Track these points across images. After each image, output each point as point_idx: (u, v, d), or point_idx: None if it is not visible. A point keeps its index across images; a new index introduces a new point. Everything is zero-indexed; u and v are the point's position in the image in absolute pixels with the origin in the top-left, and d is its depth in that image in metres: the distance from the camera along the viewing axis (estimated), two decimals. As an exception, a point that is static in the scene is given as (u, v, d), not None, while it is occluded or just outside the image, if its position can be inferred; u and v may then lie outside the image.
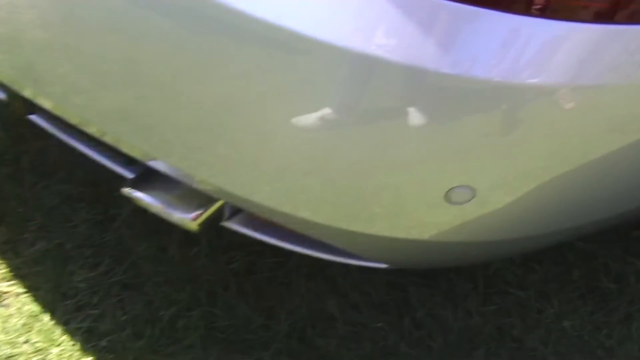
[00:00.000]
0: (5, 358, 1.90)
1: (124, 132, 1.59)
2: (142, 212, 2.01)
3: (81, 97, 1.59)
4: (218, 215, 1.61)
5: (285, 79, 1.32)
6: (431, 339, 1.93)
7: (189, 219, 1.57)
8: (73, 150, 2.16)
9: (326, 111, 1.33)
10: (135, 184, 1.63)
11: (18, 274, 2.07)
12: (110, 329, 1.95)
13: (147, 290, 2.03)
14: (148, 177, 1.64)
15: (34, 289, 2.04)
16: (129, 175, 1.70)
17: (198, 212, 1.58)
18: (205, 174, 1.51)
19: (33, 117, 1.83)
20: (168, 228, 2.03)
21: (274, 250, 1.95)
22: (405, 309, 1.98)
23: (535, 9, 1.25)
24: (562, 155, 1.36)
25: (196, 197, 1.58)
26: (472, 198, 1.37)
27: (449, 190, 1.36)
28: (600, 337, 1.98)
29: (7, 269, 2.08)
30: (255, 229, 1.66)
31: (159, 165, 1.56)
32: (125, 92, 1.50)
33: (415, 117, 1.29)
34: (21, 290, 2.04)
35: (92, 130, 1.63)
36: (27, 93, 1.71)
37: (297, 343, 1.93)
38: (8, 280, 2.05)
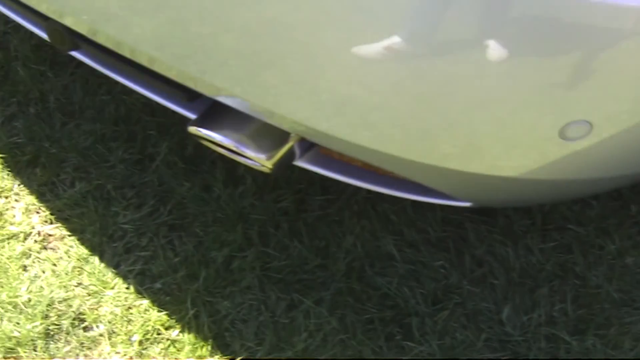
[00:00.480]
0: (61, 301, 1.83)
1: (180, 62, 1.50)
2: (180, 150, 1.96)
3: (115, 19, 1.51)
4: (290, 154, 1.54)
5: (345, 2, 1.25)
6: (493, 277, 1.89)
7: (263, 157, 1.50)
8: (99, 87, 2.09)
9: (394, 40, 1.24)
10: (202, 122, 1.55)
11: (60, 216, 2.01)
12: (163, 270, 1.90)
13: (196, 230, 1.97)
14: (214, 115, 1.56)
15: (79, 232, 1.98)
16: (188, 114, 1.62)
17: (272, 151, 1.51)
18: (272, 106, 1.44)
19: (75, 54, 1.73)
20: (209, 167, 1.97)
21: (322, 187, 1.90)
22: (464, 246, 1.94)
23: None
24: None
25: (268, 136, 1.52)
26: (588, 133, 1.31)
27: (565, 125, 1.30)
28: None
29: (49, 212, 2.01)
30: (326, 167, 1.59)
31: (226, 100, 1.48)
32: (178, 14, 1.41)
33: (503, 49, 1.22)
34: (66, 232, 1.98)
35: (143, 60, 1.54)
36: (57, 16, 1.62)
37: (357, 282, 1.88)
38: (51, 223, 1.99)
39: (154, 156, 2.10)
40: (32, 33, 1.93)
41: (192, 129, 1.55)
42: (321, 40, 1.31)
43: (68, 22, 1.60)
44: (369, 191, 1.91)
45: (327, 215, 1.99)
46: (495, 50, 1.21)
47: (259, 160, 1.52)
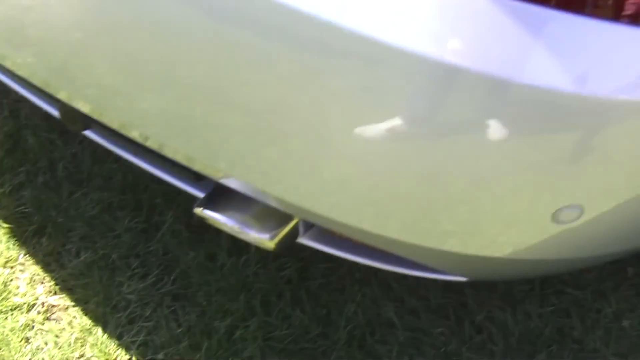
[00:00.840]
0: (63, 375, 1.86)
1: (185, 145, 1.55)
2: (185, 219, 2.00)
3: (121, 99, 1.55)
4: (293, 233, 1.57)
5: (349, 86, 1.27)
6: (492, 343, 1.91)
7: (266, 238, 1.54)
8: (107, 155, 2.14)
9: (396, 122, 1.27)
10: (207, 203, 1.59)
11: (65, 286, 2.04)
12: (165, 341, 1.92)
13: (200, 300, 2.00)
14: (219, 196, 1.60)
15: (83, 302, 2.01)
16: (196, 193, 1.66)
17: (275, 231, 1.54)
18: (274, 189, 1.48)
19: (88, 133, 1.77)
20: (214, 236, 2.00)
21: (325, 255, 1.92)
22: (464, 312, 1.96)
23: (626, 15, 1.22)
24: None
25: (271, 216, 1.55)
26: (580, 216, 1.34)
27: (557, 209, 1.32)
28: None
29: (54, 282, 2.05)
30: (329, 244, 1.63)
31: (230, 182, 1.52)
32: (184, 96, 1.47)
33: (502, 131, 1.25)
34: (70, 303, 2.01)
35: (151, 143, 1.58)
36: (63, 96, 1.67)
37: (358, 351, 1.91)
38: (55, 294, 2.02)
39: (159, 225, 2.13)
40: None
41: (198, 211, 1.59)
42: (324, 121, 1.34)
43: (76, 104, 1.65)
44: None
45: (329, 283, 2.02)
46: (495, 131, 1.23)
47: (262, 240, 1.55)
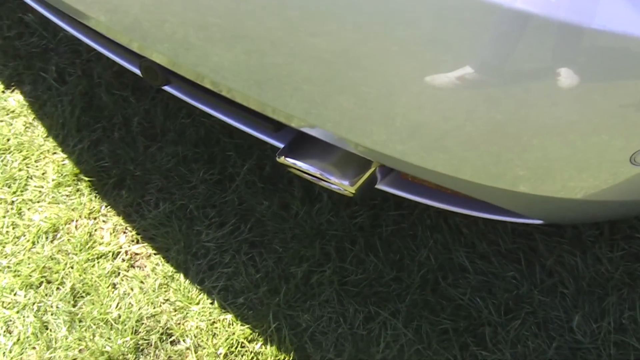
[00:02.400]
0: (149, 317, 1.93)
1: (265, 95, 1.60)
2: (258, 170, 2.07)
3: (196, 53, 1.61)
4: (372, 179, 1.62)
5: (418, 35, 1.30)
6: (563, 286, 1.95)
7: (347, 184, 1.60)
8: (179, 110, 2.20)
9: (467, 70, 1.30)
10: (289, 152, 1.65)
11: (146, 235, 2.11)
12: (245, 286, 1.99)
13: (276, 247, 2.06)
14: (300, 144, 1.66)
15: (165, 250, 2.07)
16: (275, 143, 1.72)
17: (355, 178, 1.60)
18: (352, 135, 1.52)
19: (168, 88, 1.83)
20: (287, 185, 2.06)
21: (395, 202, 1.98)
22: (534, 257, 2.00)
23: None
24: None
25: (351, 163, 1.61)
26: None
27: (636, 152, 1.36)
28: None
29: (135, 231, 2.11)
30: (405, 189, 1.67)
31: (310, 131, 1.57)
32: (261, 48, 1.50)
33: (573, 77, 1.28)
34: (152, 251, 2.07)
35: (232, 94, 1.63)
36: (143, 51, 1.73)
37: (431, 294, 1.96)
38: (138, 242, 2.09)
39: (233, 176, 2.20)
40: (114, 60, 2.04)
41: (281, 159, 1.65)
42: (394, 70, 1.37)
43: (151, 55, 1.70)
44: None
45: (401, 230, 2.07)
46: (566, 78, 1.26)
47: (343, 186, 1.60)
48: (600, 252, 2.00)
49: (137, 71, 1.84)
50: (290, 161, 1.63)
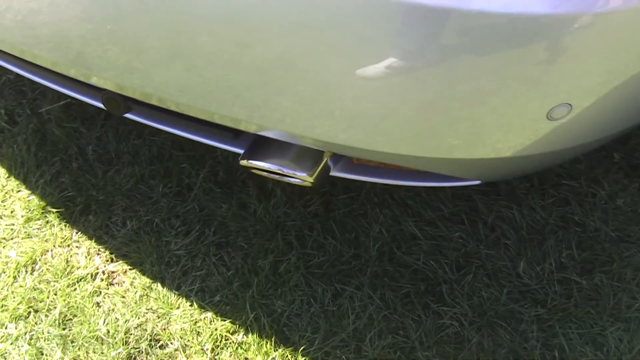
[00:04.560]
0: (136, 327, 2.10)
1: (207, 103, 1.76)
2: (213, 177, 2.23)
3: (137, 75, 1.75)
4: (326, 168, 1.81)
5: (341, 34, 1.46)
6: (505, 238, 2.16)
7: (305, 175, 1.78)
8: (129, 133, 2.36)
9: (391, 60, 1.48)
10: (250, 155, 1.82)
11: (119, 253, 2.27)
12: (219, 284, 2.16)
13: (241, 244, 2.24)
14: (258, 147, 1.83)
15: (139, 264, 2.24)
16: (236, 150, 1.89)
17: (312, 169, 1.78)
18: (302, 130, 1.69)
19: (130, 115, 2.00)
20: (241, 187, 2.24)
21: (343, 186, 2.17)
22: (476, 216, 2.21)
23: None
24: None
25: (306, 157, 1.78)
26: (570, 112, 1.58)
27: (551, 109, 1.56)
28: (650, 207, 2.20)
29: (108, 251, 2.27)
30: (356, 172, 1.86)
31: (266, 132, 1.75)
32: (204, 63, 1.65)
33: (480, 51, 1.47)
34: (127, 267, 2.23)
35: (180, 109, 1.79)
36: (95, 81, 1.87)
37: (389, 264, 2.15)
38: (112, 261, 2.25)
39: (191, 186, 2.37)
40: (59, 95, 2.14)
41: (244, 162, 1.83)
42: (326, 68, 1.52)
43: (98, 83, 1.84)
44: (384, 184, 2.13)
45: (353, 211, 2.27)
46: (477, 55, 1.44)
47: (303, 178, 1.79)
48: (533, 202, 2.20)
49: (99, 104, 1.98)
50: (252, 163, 1.80)
